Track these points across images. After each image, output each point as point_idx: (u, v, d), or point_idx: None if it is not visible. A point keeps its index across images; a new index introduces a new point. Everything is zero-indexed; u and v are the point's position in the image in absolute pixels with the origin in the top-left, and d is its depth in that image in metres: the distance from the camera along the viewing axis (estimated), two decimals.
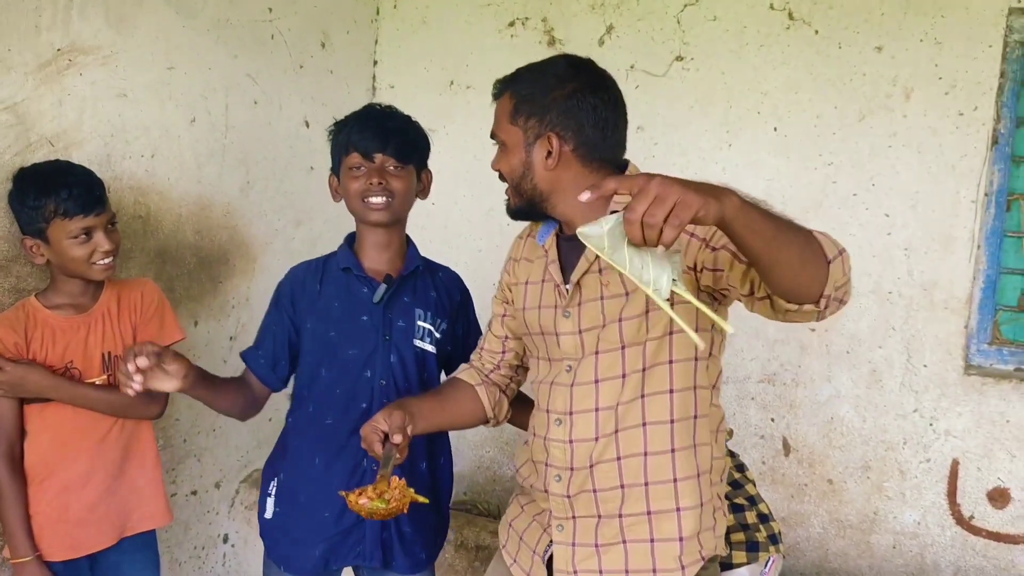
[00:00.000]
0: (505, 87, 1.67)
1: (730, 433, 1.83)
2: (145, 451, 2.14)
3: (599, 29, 3.05)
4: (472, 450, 3.33)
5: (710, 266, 1.47)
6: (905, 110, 2.72)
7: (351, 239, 2.04)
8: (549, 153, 1.61)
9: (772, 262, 1.26)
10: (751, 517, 2.11)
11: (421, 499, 1.64)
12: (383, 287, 1.96)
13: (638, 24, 3.00)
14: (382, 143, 1.92)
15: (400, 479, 1.62)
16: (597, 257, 1.58)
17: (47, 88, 2.11)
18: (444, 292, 2.07)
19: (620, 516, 1.61)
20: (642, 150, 2.97)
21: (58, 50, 2.13)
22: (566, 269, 1.68)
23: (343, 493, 1.63)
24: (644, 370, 1.57)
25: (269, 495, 2.04)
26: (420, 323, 2.00)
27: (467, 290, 2.16)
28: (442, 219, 3.32)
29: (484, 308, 3.50)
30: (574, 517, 1.65)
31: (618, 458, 1.60)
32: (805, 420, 2.87)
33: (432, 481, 2.05)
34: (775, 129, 2.85)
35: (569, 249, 1.69)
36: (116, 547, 2.09)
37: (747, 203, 1.21)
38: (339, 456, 1.96)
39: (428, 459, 2.04)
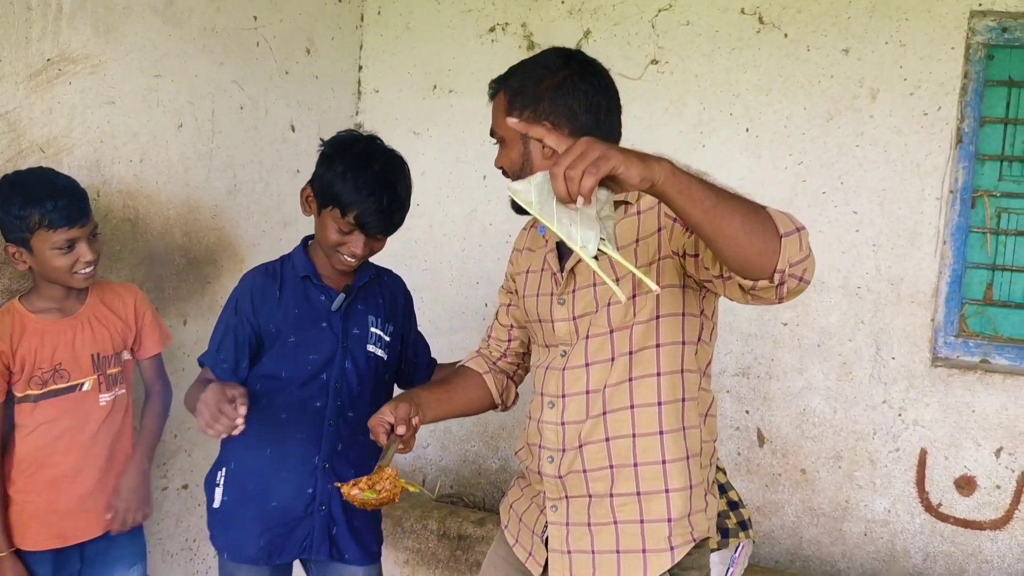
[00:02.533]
0: (499, 85, 1.71)
1: None
2: (128, 450, 2.23)
3: (577, 34, 3.13)
4: (457, 444, 3.42)
5: (691, 251, 1.52)
6: (872, 110, 2.80)
7: (306, 241, 2.11)
8: (543, 145, 1.65)
9: (715, 231, 1.28)
10: (721, 504, 2.19)
11: (412, 488, 1.70)
12: (342, 296, 2.05)
13: (614, 29, 3.09)
14: (386, 226, 1.99)
15: (392, 470, 1.68)
16: None
17: (38, 96, 2.19)
18: (390, 296, 2.17)
19: (611, 496, 1.65)
20: None
21: (48, 60, 2.21)
22: (564, 258, 1.73)
23: (338, 484, 1.70)
24: (631, 353, 1.62)
25: (217, 485, 2.10)
26: (373, 329, 2.09)
27: (410, 294, 2.26)
28: (427, 220, 3.40)
29: (468, 304, 3.59)
30: (567, 497, 1.70)
31: (607, 439, 1.65)
32: (778, 412, 2.96)
33: None
34: (747, 130, 2.94)
35: None
36: (104, 537, 2.17)
37: (681, 171, 1.25)
38: (290, 449, 2.04)
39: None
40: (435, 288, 3.35)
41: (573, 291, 1.68)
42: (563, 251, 1.74)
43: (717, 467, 2.23)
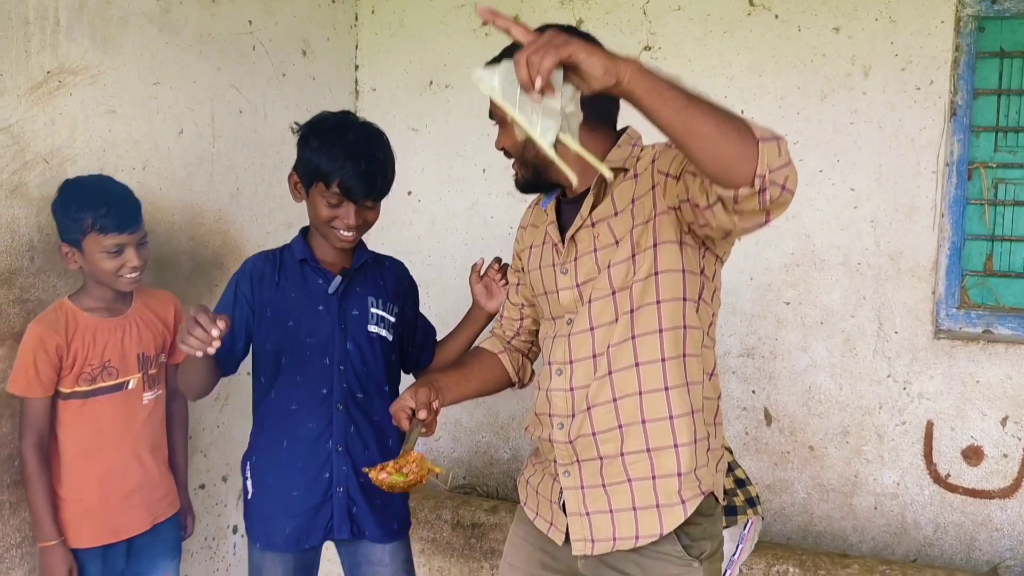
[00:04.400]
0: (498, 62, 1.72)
1: None
2: (163, 443, 2.33)
3: (569, 23, 3.14)
4: (469, 436, 3.45)
5: (683, 197, 1.53)
6: (864, 87, 2.82)
7: (306, 231, 2.16)
8: None
9: (688, 133, 1.26)
10: (728, 483, 2.22)
11: (437, 469, 1.76)
12: (338, 279, 2.09)
13: (606, 17, 3.11)
14: (368, 188, 2.01)
15: (417, 453, 1.73)
16: (591, 212, 1.69)
17: (39, 109, 2.23)
18: (392, 279, 2.22)
19: (622, 455, 1.68)
20: None
21: (48, 72, 2.24)
22: (565, 229, 1.76)
23: (366, 469, 1.76)
24: (632, 311, 1.65)
25: (247, 478, 2.18)
26: (374, 310, 2.13)
27: (412, 279, 2.31)
28: (428, 214, 3.43)
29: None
30: (578, 461, 1.73)
31: (614, 399, 1.68)
32: (784, 390, 2.98)
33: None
34: (742, 112, 2.94)
35: (569, 211, 1.78)
36: (148, 532, 2.26)
37: (650, 71, 1.24)
38: (303, 438, 2.09)
39: (396, 437, 2.17)
40: (440, 282, 3.39)
41: (575, 259, 1.72)
42: (566, 223, 1.77)
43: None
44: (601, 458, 1.71)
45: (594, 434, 1.70)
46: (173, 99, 2.62)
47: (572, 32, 1.54)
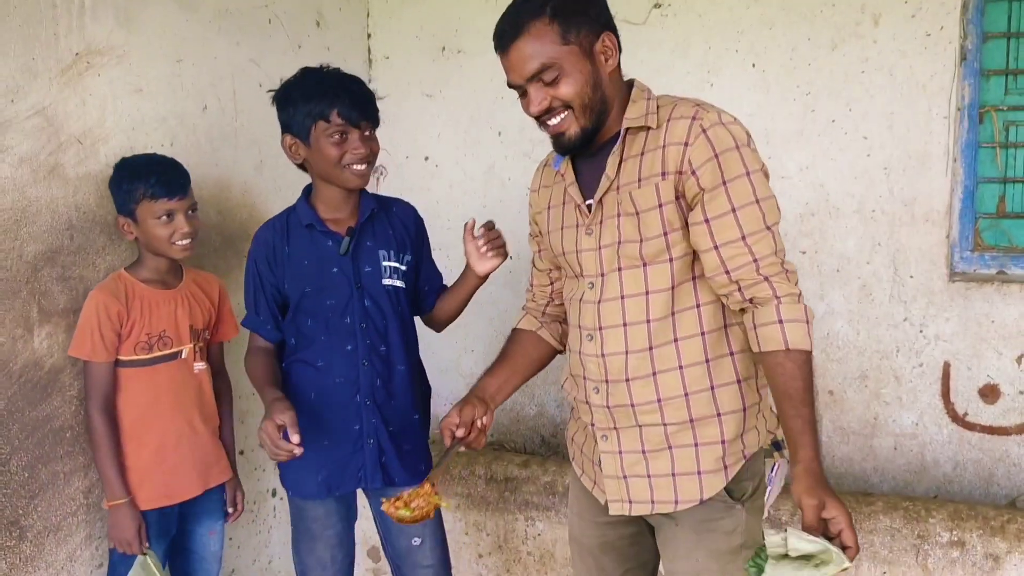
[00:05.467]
0: (535, 14, 1.61)
1: None
2: (215, 414, 2.43)
3: None
4: None
5: (689, 220, 1.64)
6: (875, 36, 2.85)
7: (308, 191, 2.23)
8: (607, 55, 1.67)
9: None
10: None
11: (445, 504, 1.83)
12: (347, 240, 2.15)
13: None
14: (363, 110, 2.10)
15: (431, 486, 1.78)
16: (617, 174, 1.68)
17: (71, 90, 2.28)
18: (401, 226, 2.26)
19: (664, 424, 1.71)
20: None
21: (76, 54, 2.29)
22: (586, 189, 1.76)
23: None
24: (673, 288, 1.67)
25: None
26: (386, 263, 2.20)
27: (421, 220, 2.36)
28: (446, 179, 3.48)
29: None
30: (616, 428, 1.76)
31: (653, 373, 1.70)
32: None
33: (422, 400, 2.33)
34: (753, 65, 2.99)
35: (587, 169, 1.76)
36: (200, 496, 2.35)
37: (818, 462, 1.55)
38: (331, 392, 2.20)
39: (417, 385, 2.29)
40: (459, 246, 3.43)
41: (600, 221, 1.72)
42: (586, 182, 1.77)
43: None
44: (640, 426, 1.74)
45: (632, 405, 1.73)
46: (196, 75, 2.67)
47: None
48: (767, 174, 1.67)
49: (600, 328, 1.74)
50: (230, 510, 2.46)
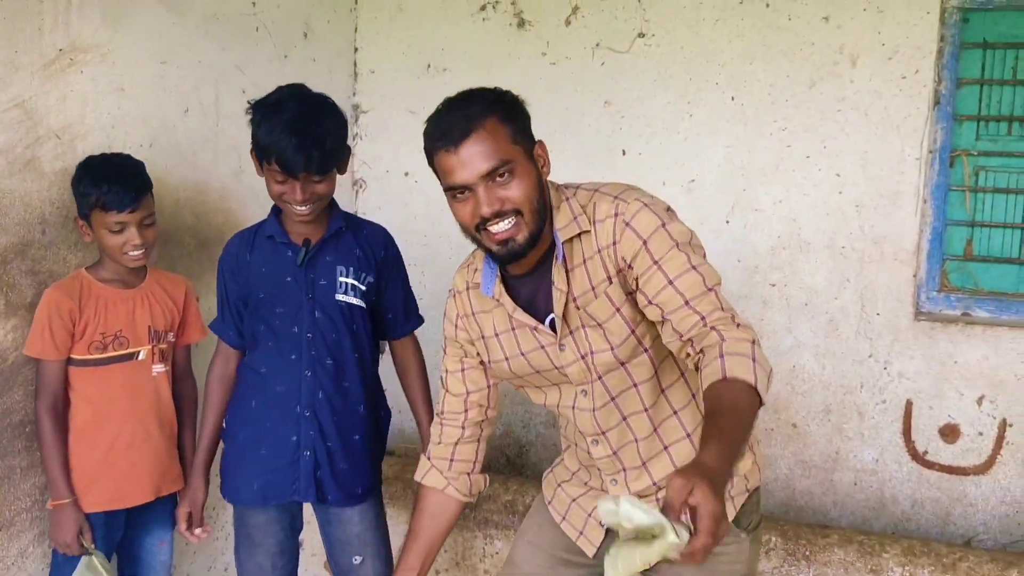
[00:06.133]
0: (486, 112, 1.58)
1: None
2: (172, 423, 2.40)
3: (565, 10, 3.22)
4: None
5: (654, 320, 1.61)
6: (852, 76, 2.90)
7: (278, 208, 2.22)
8: (541, 162, 1.65)
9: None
10: None
11: None
12: (303, 250, 2.17)
13: (602, 4, 3.17)
14: (305, 162, 2.02)
15: None
16: (569, 287, 1.65)
17: (52, 85, 2.29)
18: (368, 248, 2.26)
19: (666, 449, 1.74)
20: (610, 123, 3.16)
21: (60, 50, 2.30)
22: (533, 310, 1.71)
23: None
24: (656, 372, 1.70)
25: (224, 439, 2.32)
26: (342, 279, 2.20)
27: (395, 246, 2.34)
28: (424, 196, 3.49)
29: None
30: (624, 469, 1.78)
31: (665, 448, 1.73)
32: None
33: (372, 421, 2.30)
34: (732, 99, 3.04)
35: (523, 288, 1.72)
36: (150, 504, 2.32)
37: (728, 464, 1.29)
38: (272, 400, 2.21)
39: (366, 404, 2.27)
40: (436, 262, 3.46)
41: (570, 333, 1.69)
42: (527, 304, 1.72)
43: None
44: (658, 488, 1.75)
45: (654, 484, 1.75)
46: (179, 78, 2.68)
47: None
48: (699, 245, 1.64)
49: (603, 432, 1.75)
50: (182, 526, 2.36)
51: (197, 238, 2.80)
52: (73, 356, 2.19)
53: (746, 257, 3.06)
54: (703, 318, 1.53)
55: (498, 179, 1.57)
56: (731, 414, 1.37)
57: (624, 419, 1.73)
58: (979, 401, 2.84)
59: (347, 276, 2.21)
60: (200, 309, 2.48)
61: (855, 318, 2.97)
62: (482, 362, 1.86)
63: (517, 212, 1.58)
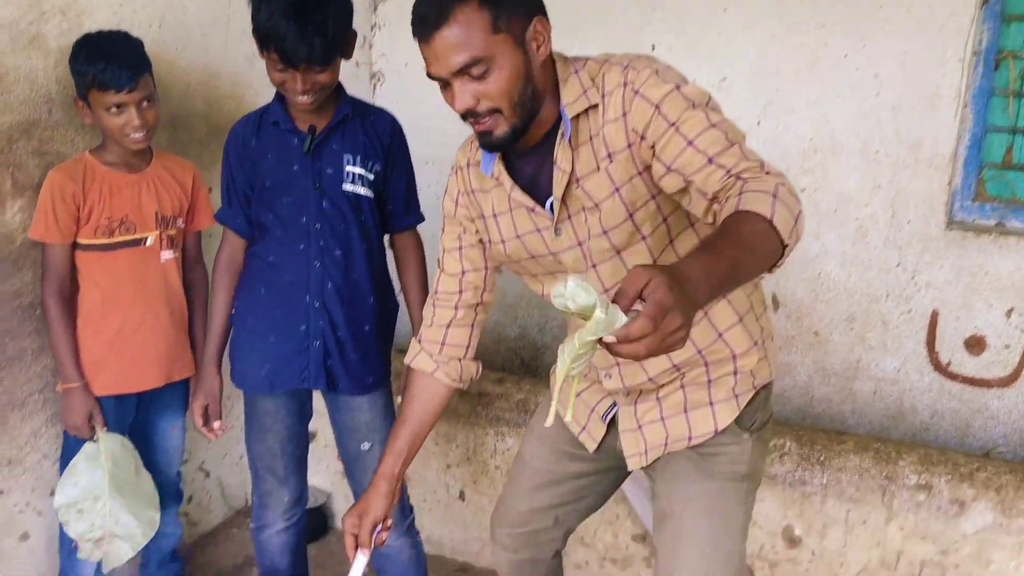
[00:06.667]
0: (457, 1, 1.40)
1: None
2: (183, 310, 2.38)
3: None
4: None
5: (676, 192, 1.47)
6: None
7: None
8: (539, 41, 1.49)
9: (739, 282, 1.22)
10: None
11: None
12: (308, 137, 2.08)
13: None
14: (307, 52, 1.92)
15: None
16: (573, 167, 1.53)
17: None
18: (374, 135, 2.17)
19: (680, 377, 1.68)
20: (640, 16, 3.02)
21: None
22: (532, 189, 1.61)
23: None
24: (655, 261, 1.58)
25: (232, 323, 2.28)
26: (349, 168, 2.12)
27: (401, 132, 2.24)
28: (440, 123, 3.38)
29: None
30: (631, 392, 1.73)
31: None
32: (794, 276, 3.00)
33: (381, 312, 2.25)
34: None
35: (527, 166, 1.62)
36: (161, 389, 2.31)
37: (712, 280, 1.13)
38: (281, 289, 2.17)
39: (376, 295, 2.22)
40: (450, 160, 3.37)
41: (568, 218, 1.59)
42: (527, 183, 1.61)
43: None
44: (658, 386, 1.71)
45: (650, 379, 1.68)
46: None
47: None
48: (718, 107, 1.51)
49: None
50: (198, 422, 2.34)
51: (209, 125, 2.72)
52: (80, 241, 2.15)
53: (776, 160, 2.86)
54: (728, 171, 1.37)
55: (473, 73, 1.43)
56: (729, 235, 1.22)
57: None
58: (1008, 313, 2.77)
59: (354, 165, 2.13)
60: (209, 196, 2.42)
61: (885, 226, 2.88)
62: (481, 241, 1.77)
63: (494, 110, 1.47)
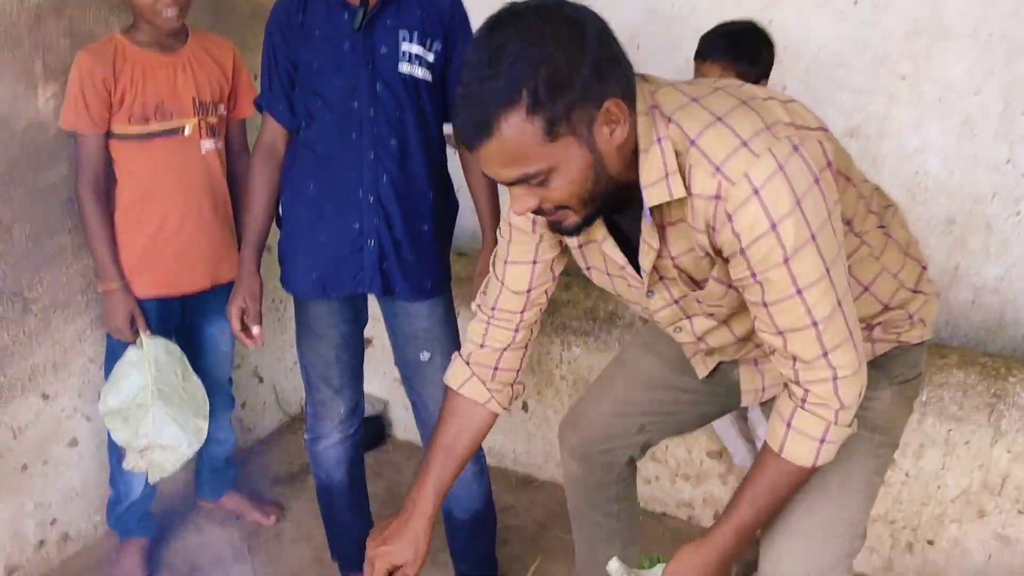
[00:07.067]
0: (507, 103, 1.14)
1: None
2: (227, 207, 2.20)
3: None
4: None
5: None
6: None
7: None
8: (614, 126, 1.21)
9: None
10: None
11: None
12: (360, 12, 1.85)
13: None
14: None
15: None
16: (663, 244, 1.35)
17: None
18: (433, 9, 1.94)
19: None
20: None
21: None
22: (626, 239, 1.40)
23: None
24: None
25: (280, 223, 2.09)
26: (405, 47, 1.89)
27: (462, 6, 2.00)
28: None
29: None
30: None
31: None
32: (889, 174, 2.73)
33: (441, 211, 2.06)
34: None
35: (620, 218, 1.40)
36: (207, 292, 2.17)
37: (739, 549, 1.41)
38: (332, 184, 1.96)
39: (435, 191, 2.03)
40: None
41: (661, 279, 1.42)
42: (624, 241, 1.41)
43: None
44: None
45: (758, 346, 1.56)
46: None
47: None
48: (828, 241, 1.26)
49: (688, 316, 1.50)
50: (235, 325, 2.10)
51: (251, 4, 2.52)
52: (114, 130, 2.00)
53: (875, 44, 2.66)
54: (793, 361, 1.33)
55: (531, 183, 1.22)
56: (765, 502, 1.41)
57: (725, 323, 1.50)
58: None
59: (411, 43, 1.91)
60: (253, 81, 2.23)
61: (995, 118, 2.59)
62: (562, 245, 1.52)
63: (560, 207, 1.26)
